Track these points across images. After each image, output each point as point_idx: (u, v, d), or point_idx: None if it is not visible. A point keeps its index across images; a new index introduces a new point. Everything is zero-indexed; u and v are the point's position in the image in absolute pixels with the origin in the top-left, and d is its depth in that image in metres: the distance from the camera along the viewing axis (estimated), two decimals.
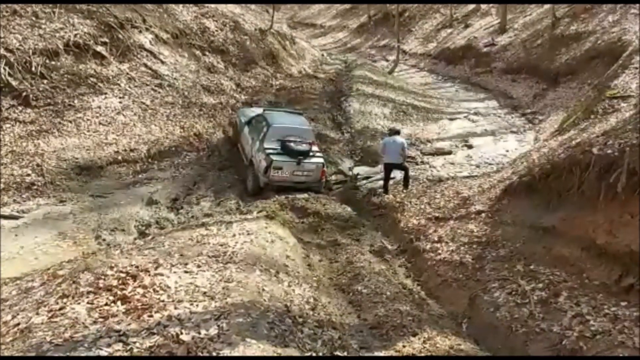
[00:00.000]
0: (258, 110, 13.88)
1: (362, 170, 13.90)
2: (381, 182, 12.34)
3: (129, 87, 14.47)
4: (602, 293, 6.13)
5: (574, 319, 5.96)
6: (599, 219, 6.85)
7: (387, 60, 29.63)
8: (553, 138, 12.41)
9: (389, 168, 12.01)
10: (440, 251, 8.87)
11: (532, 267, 7.29)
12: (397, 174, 12.42)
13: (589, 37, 19.41)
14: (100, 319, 4.88)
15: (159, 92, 15.12)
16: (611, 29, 18.67)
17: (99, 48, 14.52)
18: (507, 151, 15.05)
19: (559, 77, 19.36)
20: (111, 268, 6.06)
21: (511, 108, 19.77)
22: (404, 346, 5.91)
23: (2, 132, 11.41)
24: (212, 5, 21.12)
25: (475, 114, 18.96)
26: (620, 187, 6.53)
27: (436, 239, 9.32)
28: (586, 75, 17.80)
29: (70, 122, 12.52)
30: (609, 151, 7.18)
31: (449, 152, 15.26)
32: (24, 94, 12.22)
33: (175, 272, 6.05)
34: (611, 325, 5.61)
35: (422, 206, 10.90)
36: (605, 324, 5.66)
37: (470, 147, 15.74)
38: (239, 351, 4.56)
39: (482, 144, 15.89)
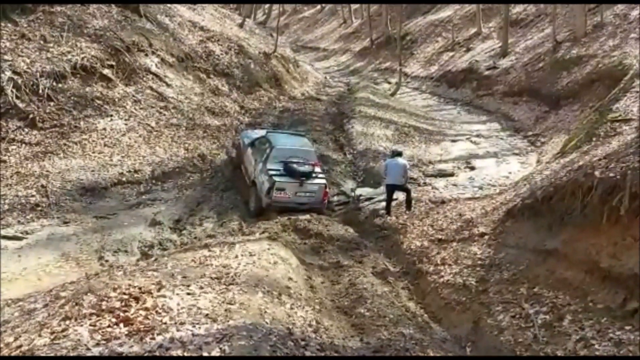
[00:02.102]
0: (261, 132, 13.99)
1: (364, 191, 13.90)
2: (383, 204, 12.36)
3: (135, 109, 14.65)
4: (606, 317, 6.07)
5: (578, 343, 5.91)
6: (602, 242, 6.83)
7: (389, 83, 29.87)
8: (555, 160, 12.43)
9: (391, 189, 12.04)
10: (443, 273, 8.83)
11: (535, 290, 7.24)
12: (400, 196, 12.44)
13: (590, 60, 19.53)
14: (103, 341, 4.87)
15: (164, 114, 15.29)
16: (612, 53, 18.81)
17: (106, 71, 14.76)
18: (510, 173, 15.05)
19: (560, 100, 19.44)
20: (114, 290, 6.05)
21: (513, 130, 19.83)
22: None
23: (8, 154, 11.53)
24: (217, 30, 21.47)
25: (478, 136, 19.02)
26: (623, 210, 6.52)
27: (439, 261, 9.30)
28: (587, 98, 17.87)
29: (76, 143, 12.66)
30: (611, 174, 7.19)
31: (452, 174, 15.27)
32: (31, 116, 12.40)
33: (177, 294, 6.05)
34: (615, 349, 5.55)
35: (425, 228, 10.89)
36: (609, 348, 5.61)
37: (472, 168, 15.74)
38: None
39: (485, 166, 15.89)
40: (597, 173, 7.46)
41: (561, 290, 6.95)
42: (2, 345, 5.22)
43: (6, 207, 10.41)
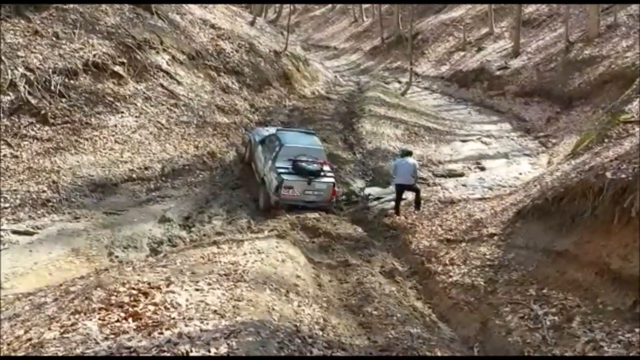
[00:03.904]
0: (272, 130, 14.02)
1: (373, 190, 13.89)
2: (392, 203, 12.35)
3: (145, 106, 14.72)
4: (616, 319, 6.02)
5: (588, 344, 5.86)
6: (613, 243, 6.78)
7: (399, 82, 29.79)
8: (566, 161, 12.35)
9: (400, 189, 12.01)
10: (451, 274, 8.81)
11: (544, 291, 7.20)
12: (409, 195, 12.41)
13: (603, 61, 19.39)
14: (112, 336, 4.91)
15: (175, 112, 15.35)
16: (625, 54, 18.66)
17: (117, 68, 14.83)
18: (520, 174, 14.98)
19: (572, 101, 19.31)
20: (123, 285, 6.10)
21: (524, 131, 19.72)
22: None
23: (20, 149, 11.63)
24: (228, 27, 21.52)
25: (488, 136, 18.93)
26: (634, 212, 6.47)
27: (448, 261, 9.27)
28: (600, 99, 17.74)
29: (87, 140, 12.74)
30: (623, 175, 7.13)
31: (461, 174, 15.22)
32: (43, 112, 12.48)
33: (186, 290, 6.08)
34: (625, 351, 5.51)
35: (434, 228, 10.86)
36: (619, 350, 5.56)
37: (482, 169, 15.69)
38: None
39: (495, 167, 15.83)
40: (608, 174, 7.41)
41: (571, 291, 6.90)
42: (12, 339, 5.28)
43: (18, 202, 10.50)
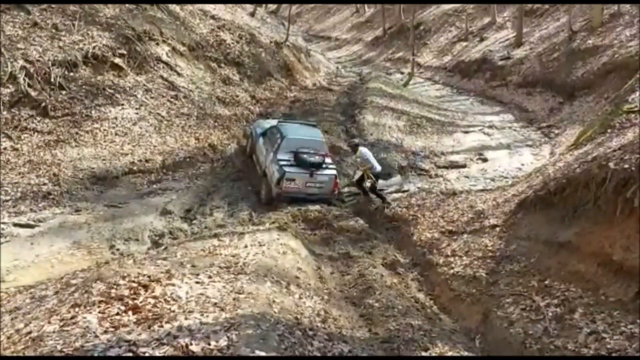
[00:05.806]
0: (273, 122, 13.96)
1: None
2: (395, 195, 12.36)
3: (146, 98, 14.67)
4: (618, 310, 5.99)
5: (590, 336, 5.84)
6: (616, 234, 6.73)
7: (401, 73, 29.65)
8: (569, 152, 12.26)
9: (377, 176, 12.09)
10: (453, 265, 8.78)
11: (547, 282, 7.17)
12: (411, 187, 12.41)
13: (606, 51, 19.23)
14: (111, 329, 4.89)
15: (175, 104, 15.30)
16: (628, 43, 18.49)
17: (117, 60, 14.78)
18: (523, 165, 14.92)
19: (575, 91, 19.19)
20: (123, 278, 6.08)
21: (527, 121, 19.63)
22: None
23: (20, 142, 11.62)
24: (229, 18, 21.41)
25: (491, 127, 18.84)
26: (637, 202, 6.41)
27: (449, 252, 9.23)
28: (603, 89, 17.62)
29: (87, 132, 12.71)
30: (626, 166, 7.06)
31: (464, 166, 15.16)
32: (43, 104, 12.45)
33: (186, 283, 6.06)
34: (628, 343, 5.48)
35: (436, 219, 10.82)
36: (621, 342, 5.54)
37: (485, 160, 15.62)
38: None
39: (497, 158, 15.77)
40: (611, 164, 7.34)
41: (573, 282, 6.87)
42: (12, 331, 5.27)
43: (19, 195, 10.50)
